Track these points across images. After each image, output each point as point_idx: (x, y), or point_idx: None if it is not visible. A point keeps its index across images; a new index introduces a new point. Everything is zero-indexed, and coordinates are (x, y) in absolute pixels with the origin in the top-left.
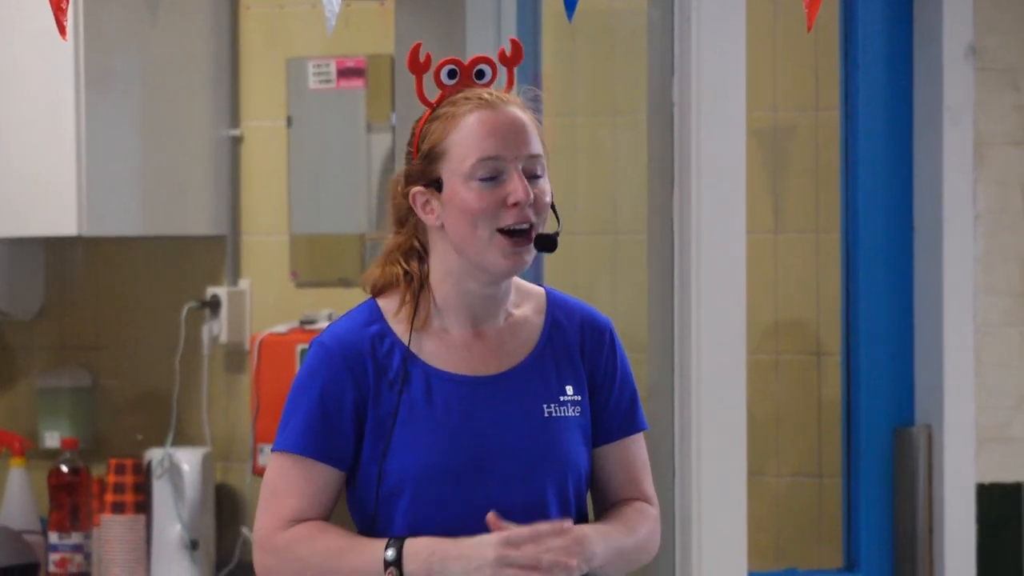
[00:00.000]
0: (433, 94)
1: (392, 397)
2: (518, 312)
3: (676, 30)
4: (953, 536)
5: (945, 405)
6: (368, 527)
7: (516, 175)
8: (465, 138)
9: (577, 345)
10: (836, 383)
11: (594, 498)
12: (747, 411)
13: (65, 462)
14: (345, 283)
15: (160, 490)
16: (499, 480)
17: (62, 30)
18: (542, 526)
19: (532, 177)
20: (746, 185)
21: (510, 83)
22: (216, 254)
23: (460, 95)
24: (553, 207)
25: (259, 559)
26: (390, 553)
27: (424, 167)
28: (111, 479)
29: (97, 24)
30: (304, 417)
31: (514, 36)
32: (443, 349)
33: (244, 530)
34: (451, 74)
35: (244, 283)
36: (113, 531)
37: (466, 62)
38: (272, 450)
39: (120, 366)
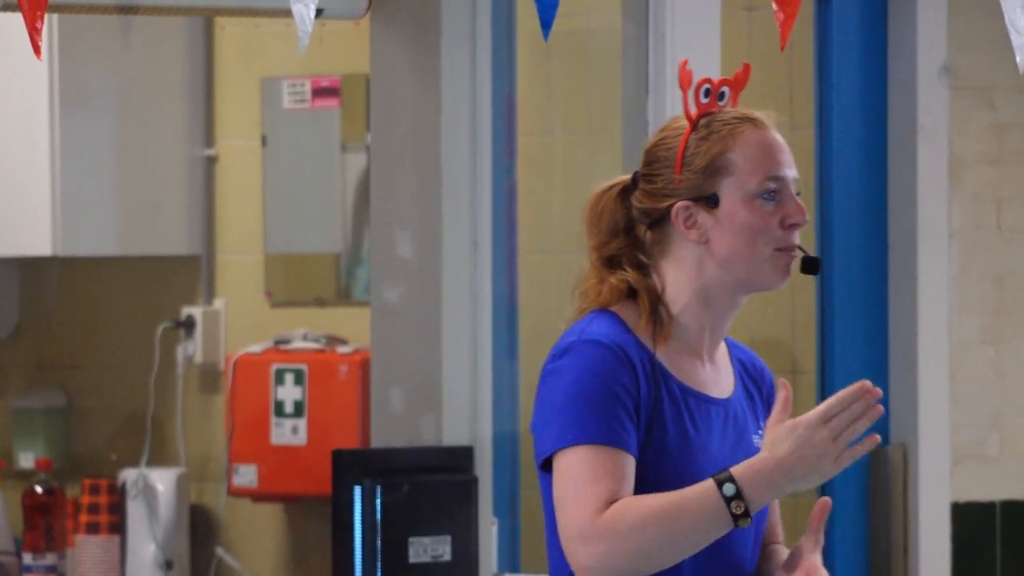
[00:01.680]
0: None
1: (651, 403)
2: (720, 348)
3: (651, 49)
4: (928, 554)
5: (920, 424)
6: None
7: (793, 196)
8: (750, 157)
9: (758, 386)
10: (811, 401)
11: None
12: None
13: (39, 483)
14: (320, 302)
15: (135, 510)
16: None
17: (37, 50)
18: (843, 393)
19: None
20: None
21: (734, 103)
22: (191, 274)
23: (728, 114)
24: None
25: (587, 550)
26: (729, 487)
27: (698, 181)
28: (85, 499)
29: (72, 44)
30: (598, 409)
31: (488, 56)
32: (686, 367)
33: (219, 550)
34: (707, 92)
35: (219, 303)
36: (87, 552)
37: (716, 81)
38: (559, 447)
39: (95, 386)
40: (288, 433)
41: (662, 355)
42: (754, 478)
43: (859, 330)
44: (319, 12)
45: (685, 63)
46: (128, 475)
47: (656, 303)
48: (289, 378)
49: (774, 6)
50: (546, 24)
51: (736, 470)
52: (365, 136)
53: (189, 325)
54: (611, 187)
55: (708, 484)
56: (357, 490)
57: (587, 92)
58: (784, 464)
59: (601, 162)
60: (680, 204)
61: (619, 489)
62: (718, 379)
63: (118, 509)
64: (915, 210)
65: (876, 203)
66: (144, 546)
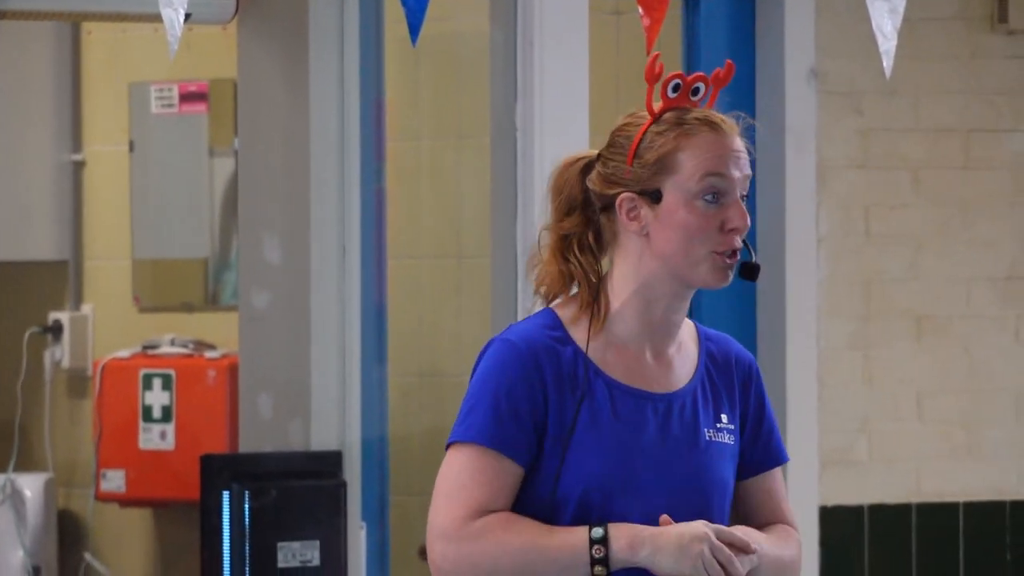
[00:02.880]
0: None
1: (573, 404)
2: (682, 339)
3: (519, 54)
4: None
5: (788, 428)
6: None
7: (737, 201)
8: (698, 157)
9: (731, 377)
10: None
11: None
12: None
13: None
14: (188, 307)
15: (2, 516)
16: (666, 496)
17: None
18: (741, 539)
19: (743, 202)
20: None
21: (712, 102)
22: (58, 279)
23: (689, 114)
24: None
25: (444, 549)
26: (597, 531)
27: (645, 175)
28: None
29: None
30: (489, 410)
31: (356, 61)
32: (621, 361)
33: (87, 556)
34: (675, 88)
35: (86, 308)
36: None
37: (689, 77)
38: (451, 442)
39: None
40: (156, 438)
41: (595, 349)
42: (626, 534)
43: (727, 334)
44: (187, 17)
45: (656, 57)
46: None
47: (596, 296)
48: (157, 383)
49: (640, 10)
50: (414, 29)
51: (613, 524)
52: (233, 141)
53: (57, 330)
54: (576, 160)
55: (580, 528)
56: (225, 495)
57: (456, 97)
58: (658, 539)
59: (470, 167)
60: (625, 195)
61: (492, 500)
62: (667, 373)
63: None
64: (783, 215)
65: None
66: (12, 552)
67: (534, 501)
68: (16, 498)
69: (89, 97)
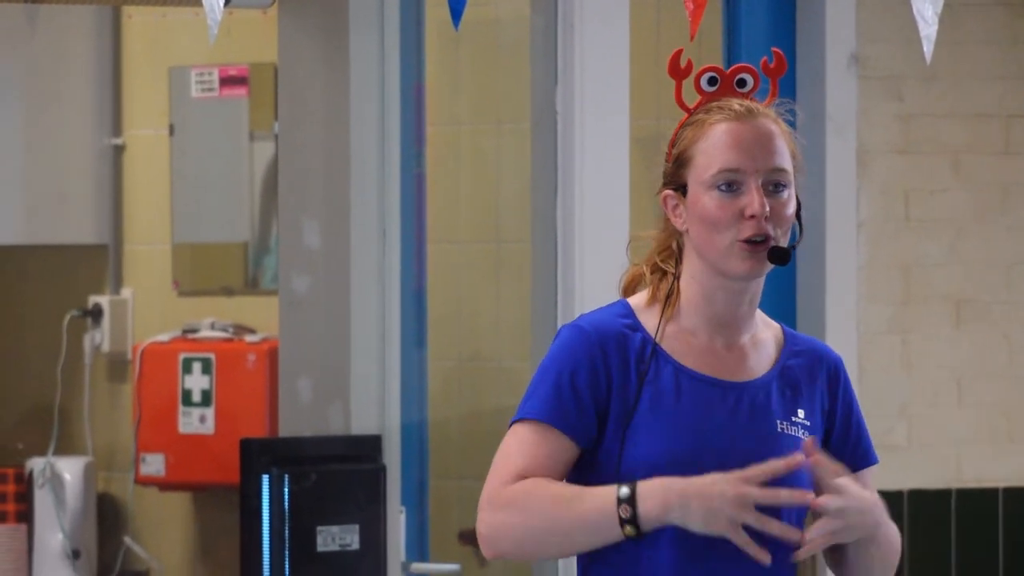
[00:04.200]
0: (692, 99)
1: (637, 388)
2: (760, 334)
3: (559, 39)
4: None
5: None
6: None
7: (755, 188)
8: (710, 147)
9: (814, 376)
10: None
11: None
12: None
13: None
14: (228, 291)
15: (42, 500)
16: None
17: None
18: (778, 463)
19: (775, 190)
20: (629, 193)
21: (773, 94)
22: (98, 263)
23: (716, 104)
24: (799, 218)
25: (485, 518)
26: (624, 491)
27: (674, 171)
28: None
29: None
30: (550, 388)
31: (397, 46)
32: (689, 349)
33: (126, 539)
34: (711, 81)
35: (126, 292)
36: None
37: (728, 70)
38: (513, 420)
39: (1, 375)
40: (196, 422)
41: (666, 337)
42: (653, 490)
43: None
44: (227, 1)
45: (679, 52)
46: (35, 464)
47: (667, 290)
48: (197, 367)
49: None
50: (456, 13)
51: (644, 481)
52: (273, 125)
53: (96, 314)
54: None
55: (610, 487)
56: (265, 479)
57: (496, 81)
58: (686, 493)
59: (510, 151)
60: (665, 192)
61: (535, 467)
62: (740, 363)
63: (25, 498)
64: (823, 200)
65: None
66: (51, 535)
67: (596, 483)
68: (56, 482)
69: (129, 81)
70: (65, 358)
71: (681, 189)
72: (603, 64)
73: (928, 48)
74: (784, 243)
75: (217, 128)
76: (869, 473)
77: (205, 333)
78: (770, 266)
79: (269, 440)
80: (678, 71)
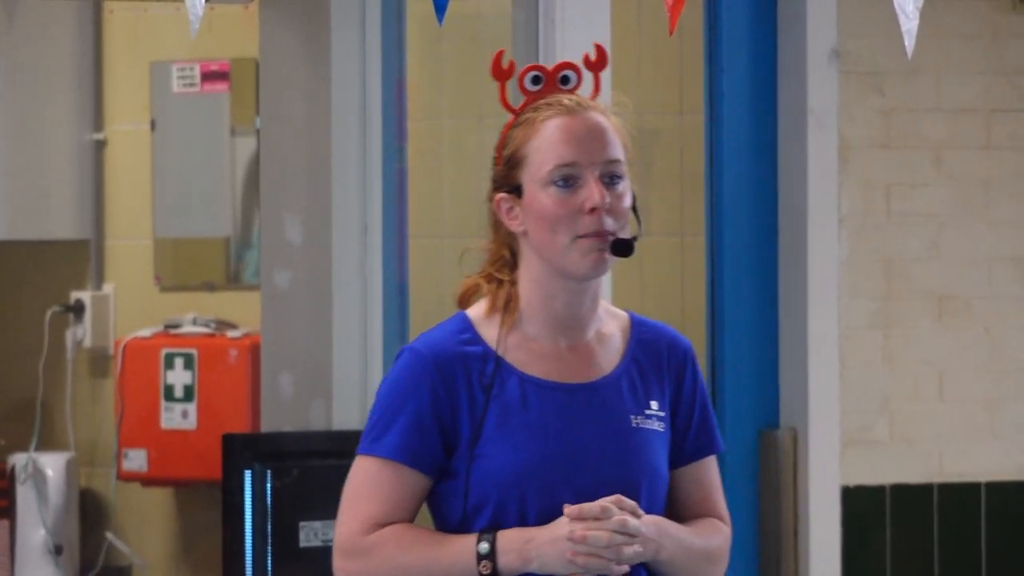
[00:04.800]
0: (518, 100)
1: (484, 405)
2: (605, 328)
3: (540, 33)
4: (818, 538)
5: (810, 408)
6: (455, 530)
7: (593, 181)
8: (543, 144)
9: (661, 364)
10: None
11: (670, 518)
12: None
13: None
14: (209, 287)
15: (24, 495)
16: (592, 486)
17: None
18: (608, 500)
19: (611, 182)
20: None
21: (596, 88)
22: (80, 258)
23: (543, 101)
24: (635, 210)
25: (340, 564)
26: (483, 546)
27: (506, 173)
28: None
29: None
30: (393, 421)
31: (378, 41)
32: (533, 357)
33: (108, 535)
34: (535, 80)
35: (108, 287)
36: None
37: (551, 68)
38: (358, 453)
39: None
40: (178, 417)
41: (507, 347)
42: (512, 542)
43: (749, 315)
44: None
45: (500, 53)
46: (17, 460)
47: (505, 299)
48: (179, 362)
49: None
50: (440, 8)
51: (503, 532)
52: (255, 120)
53: (78, 309)
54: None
55: (469, 537)
56: (247, 474)
57: (477, 76)
58: (539, 539)
59: (491, 147)
60: (499, 196)
61: (389, 512)
62: (587, 362)
63: (7, 494)
64: (805, 195)
65: (766, 188)
66: (34, 531)
67: (451, 504)
68: (38, 477)
69: (111, 76)
70: (47, 354)
71: (515, 191)
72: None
73: (909, 43)
74: (624, 235)
75: (198, 123)
76: (712, 462)
77: (187, 328)
78: (614, 260)
79: (251, 435)
80: (500, 72)
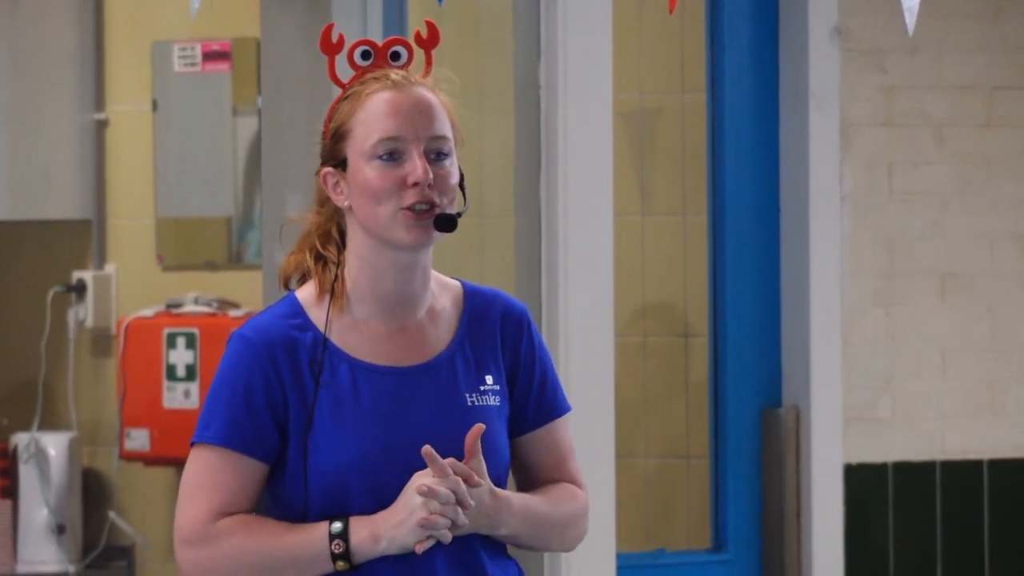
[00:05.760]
0: (347, 75)
1: (305, 391)
2: (437, 304)
3: (542, 13)
4: (820, 516)
5: (812, 386)
6: (296, 520)
7: (416, 155)
8: (368, 118)
9: (496, 334)
10: (704, 364)
11: (522, 487)
12: (615, 393)
13: None
14: (211, 266)
15: (26, 475)
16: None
17: None
18: (450, 461)
19: (437, 158)
20: (613, 167)
21: (428, 65)
22: (82, 238)
23: (371, 76)
24: (462, 187)
25: (186, 554)
26: (336, 526)
27: (332, 147)
28: None
29: None
30: (226, 409)
31: (380, 19)
32: (364, 340)
33: (111, 514)
34: (365, 55)
35: (110, 267)
36: None
37: (381, 43)
38: (192, 443)
39: None
40: (180, 397)
41: (337, 331)
42: (364, 523)
43: (751, 293)
44: None
45: (330, 27)
46: (20, 439)
47: (332, 280)
48: (181, 342)
49: None
50: None
51: (358, 518)
52: (256, 100)
53: (80, 289)
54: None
55: (321, 523)
56: None
57: (478, 54)
58: (383, 518)
59: (493, 125)
60: (325, 170)
61: (231, 502)
62: (418, 343)
63: (9, 474)
64: (807, 173)
65: (768, 166)
66: (36, 510)
67: (290, 492)
68: (40, 457)
69: (112, 56)
70: (49, 334)
71: (341, 165)
72: (586, 38)
73: (911, 20)
74: (451, 211)
75: (200, 103)
76: (562, 424)
77: (189, 308)
78: (438, 235)
79: None
80: (330, 46)
